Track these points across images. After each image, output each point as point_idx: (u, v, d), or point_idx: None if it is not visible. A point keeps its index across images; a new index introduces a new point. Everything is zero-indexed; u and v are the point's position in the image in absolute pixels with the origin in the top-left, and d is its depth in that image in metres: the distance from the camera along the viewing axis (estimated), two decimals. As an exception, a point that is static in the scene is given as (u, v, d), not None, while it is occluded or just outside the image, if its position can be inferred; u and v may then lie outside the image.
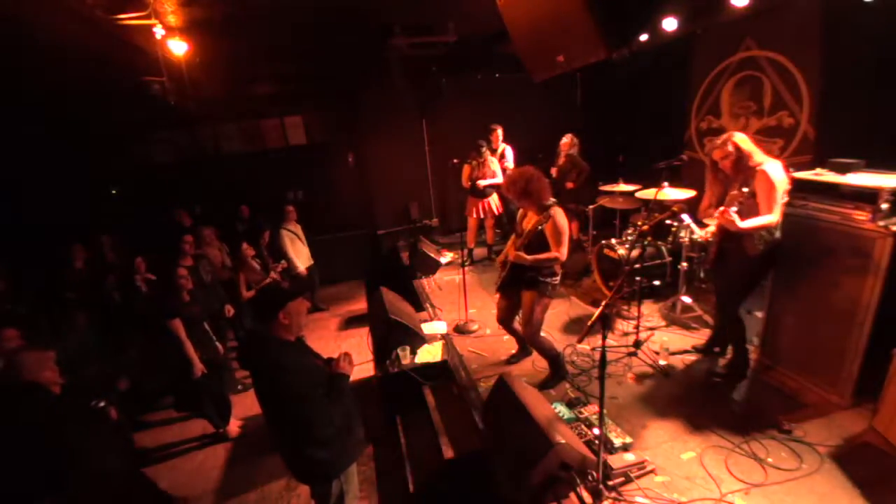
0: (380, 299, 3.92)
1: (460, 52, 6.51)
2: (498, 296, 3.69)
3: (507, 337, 4.04)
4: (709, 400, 3.24)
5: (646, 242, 4.28)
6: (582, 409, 3.10)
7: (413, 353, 3.66)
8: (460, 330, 4.60)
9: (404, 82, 6.87)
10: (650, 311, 4.53)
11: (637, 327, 4.00)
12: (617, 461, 2.62)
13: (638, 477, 2.62)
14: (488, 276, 5.89)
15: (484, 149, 6.02)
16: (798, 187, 3.08)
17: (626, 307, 4.51)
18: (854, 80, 3.95)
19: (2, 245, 5.32)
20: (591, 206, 5.50)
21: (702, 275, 4.52)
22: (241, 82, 6.78)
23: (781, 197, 2.90)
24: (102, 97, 5.99)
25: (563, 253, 3.18)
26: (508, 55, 4.98)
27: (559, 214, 3.16)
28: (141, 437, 4.25)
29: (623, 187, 5.22)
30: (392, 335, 3.66)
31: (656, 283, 4.53)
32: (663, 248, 4.62)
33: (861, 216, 2.73)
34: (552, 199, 3.23)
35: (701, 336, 3.97)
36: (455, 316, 4.82)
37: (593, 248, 5.13)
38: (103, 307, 4.68)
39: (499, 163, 6.21)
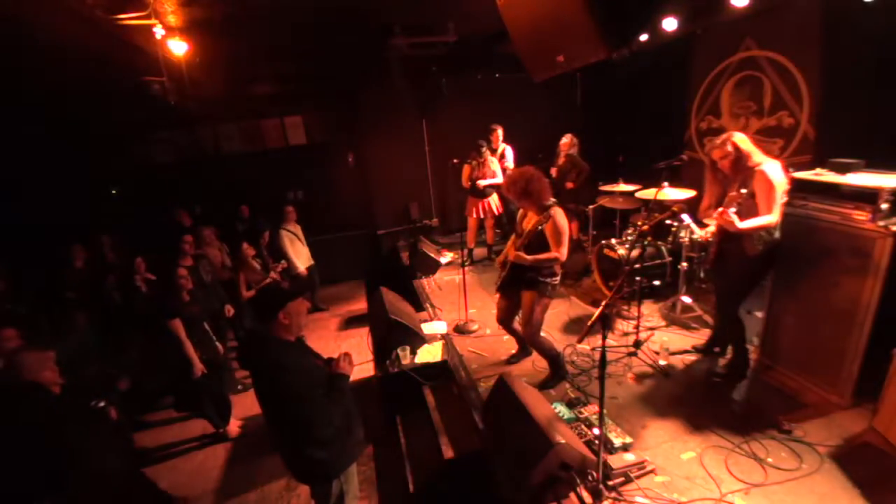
0: (380, 299, 3.92)
1: (460, 52, 6.51)
2: (498, 296, 3.69)
3: (507, 337, 4.04)
4: (709, 400, 3.24)
5: (646, 242, 4.28)
6: (582, 409, 3.10)
7: (413, 353, 3.66)
8: (460, 330, 4.60)
9: (404, 82, 6.87)
10: (650, 311, 4.53)
11: (637, 327, 4.00)
12: (617, 461, 2.62)
13: (638, 477, 2.62)
14: (488, 276, 5.89)
15: (484, 149, 6.02)
16: (798, 187, 3.08)
17: (626, 307, 4.51)
18: (854, 80, 3.96)
19: (2, 245, 5.32)
20: (591, 206, 5.50)
21: (702, 275, 4.52)
22: (241, 82, 6.78)
23: (780, 197, 2.90)
24: (102, 97, 5.99)
25: (563, 253, 3.18)
26: (508, 55, 4.98)
27: (559, 214, 3.16)
28: (141, 437, 4.26)
29: (623, 187, 5.22)
30: (392, 335, 3.66)
31: (656, 283, 4.53)
32: (663, 248, 4.61)
33: (861, 216, 2.73)
34: (552, 200, 3.23)
35: (701, 336, 3.97)
36: (455, 316, 4.82)
37: (593, 248, 5.13)
38: (103, 307, 4.69)
39: (499, 163, 6.21)
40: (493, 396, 2.89)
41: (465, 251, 6.10)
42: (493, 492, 2.47)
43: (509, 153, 6.37)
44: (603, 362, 2.30)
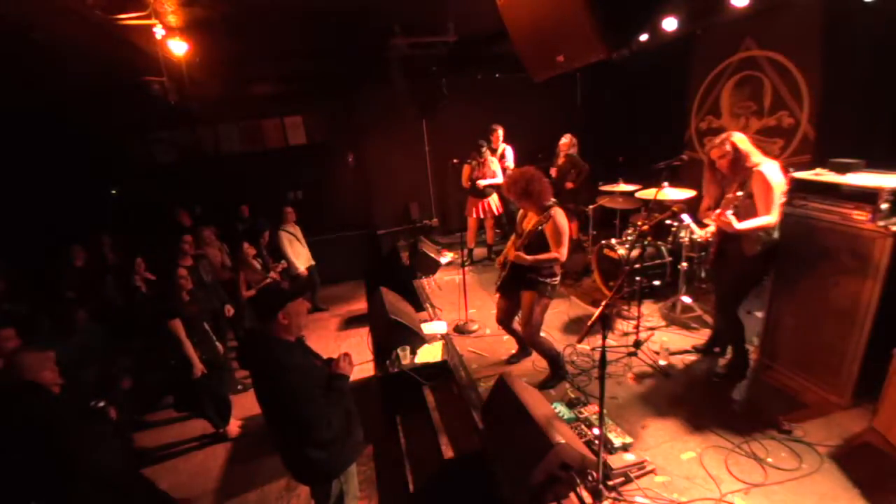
0: (380, 299, 3.92)
1: (460, 52, 6.51)
2: (498, 296, 3.69)
3: (507, 337, 4.04)
4: (709, 400, 3.24)
5: (646, 242, 4.28)
6: (582, 409, 3.10)
7: (413, 353, 3.66)
8: (460, 330, 4.60)
9: (404, 82, 6.86)
10: (650, 311, 4.53)
11: (637, 327, 4.00)
12: (617, 461, 2.62)
13: (638, 477, 2.62)
14: (488, 276, 5.89)
15: (484, 149, 6.03)
16: (798, 187, 3.09)
17: (626, 307, 4.51)
18: (854, 80, 3.95)
19: (2, 245, 5.32)
20: (591, 206, 5.50)
21: (703, 275, 4.52)
22: (241, 82, 6.77)
23: (779, 198, 2.90)
24: (102, 97, 5.99)
25: (563, 253, 3.18)
26: (508, 55, 4.97)
27: (559, 215, 3.16)
28: (141, 437, 4.26)
29: (623, 187, 5.22)
30: (392, 335, 3.66)
31: (656, 283, 4.53)
32: (663, 248, 4.61)
33: (861, 216, 2.73)
34: (552, 200, 3.23)
35: (701, 336, 3.97)
36: (455, 316, 4.82)
37: (593, 248, 5.13)
38: (103, 307, 4.69)
39: (499, 163, 6.21)
40: (493, 396, 2.89)
41: (465, 251, 6.10)
42: (493, 492, 2.47)
43: (509, 153, 6.37)
44: (603, 362, 2.30)
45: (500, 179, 6.02)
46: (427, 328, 4.11)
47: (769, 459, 2.65)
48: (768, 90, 4.74)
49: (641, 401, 3.31)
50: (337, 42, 6.02)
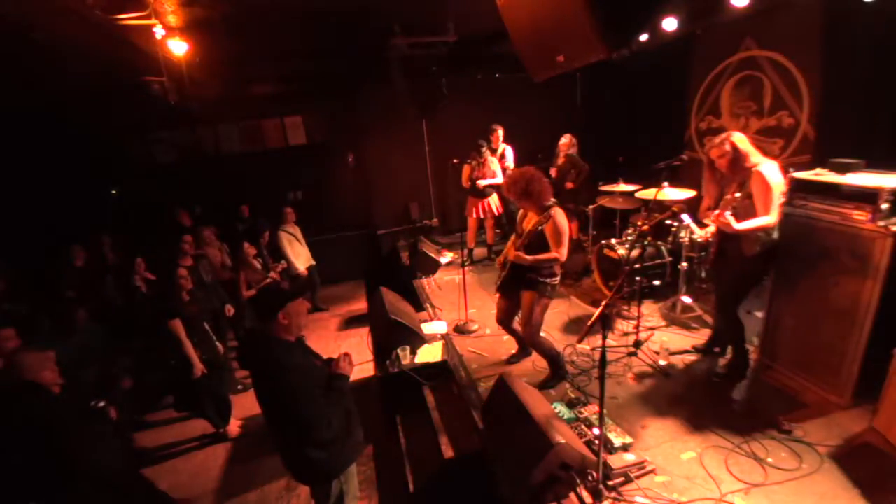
0: (380, 299, 3.92)
1: (460, 52, 6.51)
2: (498, 296, 3.69)
3: (507, 337, 4.04)
4: (709, 400, 3.24)
5: (646, 242, 4.28)
6: (582, 409, 3.10)
7: (413, 353, 3.66)
8: (460, 330, 4.60)
9: (404, 82, 6.86)
10: (650, 311, 4.53)
11: (637, 327, 4.00)
12: (617, 461, 2.62)
13: (638, 477, 2.62)
14: (488, 276, 5.89)
15: (484, 149, 6.03)
16: (798, 187, 3.08)
17: (626, 307, 4.51)
18: (854, 80, 3.95)
19: (2, 245, 5.32)
20: (591, 206, 5.50)
21: (703, 275, 4.52)
22: (241, 82, 6.77)
23: (778, 198, 2.90)
24: (102, 97, 5.99)
25: (563, 253, 3.18)
26: (508, 55, 4.97)
27: (559, 215, 3.16)
28: (141, 437, 4.26)
29: (623, 187, 5.22)
30: (392, 335, 3.66)
31: (656, 283, 4.53)
32: (663, 248, 4.61)
33: (861, 216, 2.73)
34: (552, 200, 3.23)
35: (701, 336, 3.97)
36: (455, 316, 4.82)
37: (593, 248, 5.13)
38: (103, 307, 4.69)
39: (499, 163, 6.21)
40: (493, 396, 2.89)
41: (465, 251, 6.10)
42: (493, 492, 2.47)
43: (509, 153, 6.37)
44: (603, 362, 2.30)
45: (500, 179, 6.02)
46: (427, 328, 4.11)
47: (769, 459, 2.65)
48: (768, 90, 4.74)
49: (641, 401, 3.31)
50: (337, 42, 6.02)
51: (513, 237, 3.54)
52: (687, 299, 4.34)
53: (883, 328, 2.72)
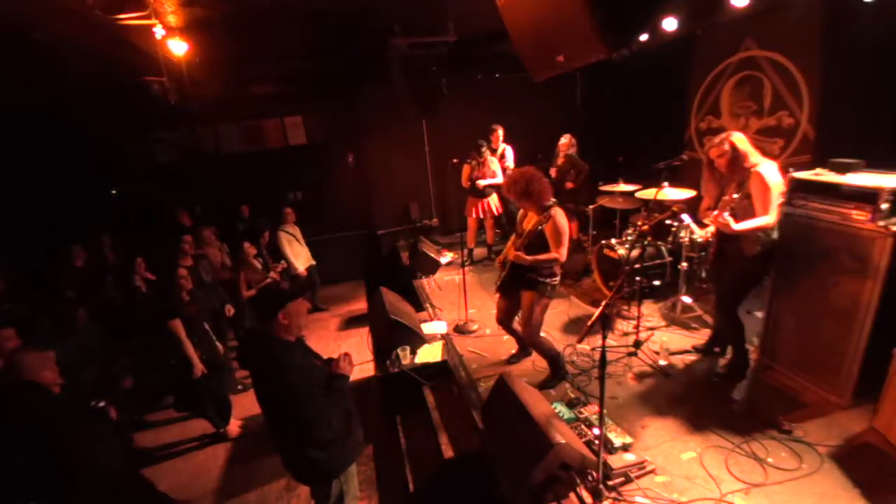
0: (380, 299, 3.92)
1: (460, 52, 6.51)
2: (498, 296, 3.69)
3: (507, 337, 4.04)
4: (709, 400, 3.24)
5: (646, 242, 4.28)
6: (582, 409, 3.10)
7: (413, 353, 3.66)
8: (460, 330, 4.60)
9: (404, 82, 6.86)
10: (650, 311, 4.53)
11: (637, 327, 4.00)
12: (617, 461, 2.62)
13: (638, 477, 2.62)
14: (488, 276, 5.89)
15: (484, 149, 6.03)
16: (798, 187, 3.08)
17: (626, 307, 4.51)
18: (854, 80, 3.95)
19: (2, 245, 5.32)
20: (590, 206, 5.50)
21: (703, 275, 4.52)
22: (241, 82, 6.78)
23: (777, 198, 2.90)
24: (102, 97, 5.99)
25: (562, 253, 3.18)
26: (508, 55, 4.97)
27: (559, 215, 3.16)
28: (141, 437, 4.26)
29: (623, 187, 5.22)
30: (392, 335, 3.66)
31: (656, 283, 4.53)
32: (663, 248, 4.61)
33: (861, 216, 2.73)
34: (552, 200, 3.23)
35: (701, 336, 3.97)
36: (455, 316, 4.82)
37: (593, 248, 5.13)
38: (103, 307, 4.69)
39: (499, 163, 6.21)
40: (493, 396, 2.89)
41: (465, 251, 6.10)
42: (493, 492, 2.47)
43: (509, 153, 6.37)
44: (603, 362, 2.30)
45: (499, 179, 6.02)
46: (427, 328, 4.11)
47: (769, 459, 2.65)
48: (768, 90, 4.74)
49: (641, 401, 3.31)
50: (337, 42, 6.02)
51: (513, 237, 3.54)
52: (687, 299, 4.34)
53: (883, 328, 2.72)
